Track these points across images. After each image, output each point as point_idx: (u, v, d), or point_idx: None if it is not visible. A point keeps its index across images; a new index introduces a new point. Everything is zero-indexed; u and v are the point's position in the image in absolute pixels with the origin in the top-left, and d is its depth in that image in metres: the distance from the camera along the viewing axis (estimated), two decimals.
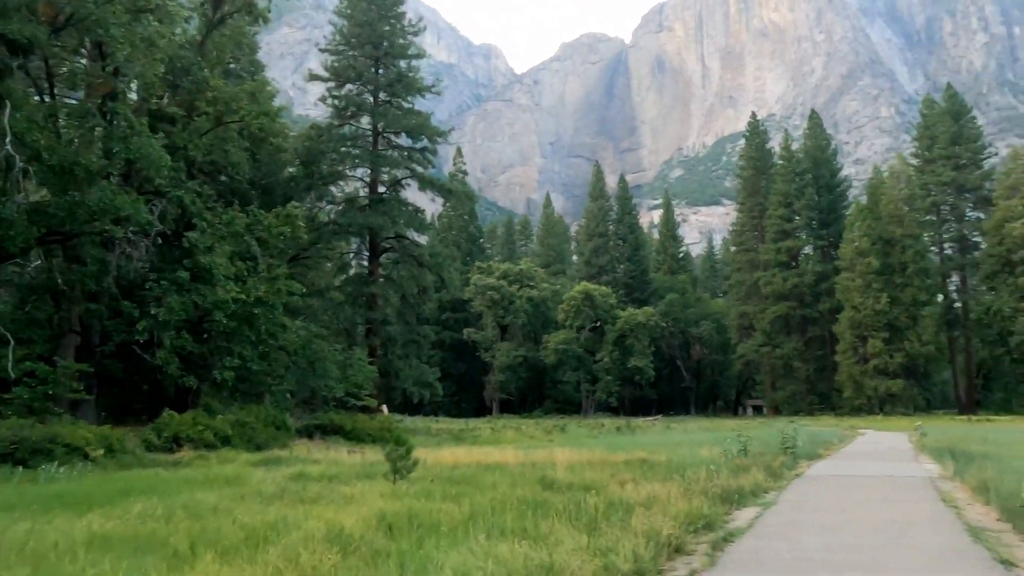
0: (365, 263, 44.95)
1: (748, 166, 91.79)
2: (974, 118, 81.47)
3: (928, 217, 77.57)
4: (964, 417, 61.10)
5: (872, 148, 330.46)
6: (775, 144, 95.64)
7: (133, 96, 26.02)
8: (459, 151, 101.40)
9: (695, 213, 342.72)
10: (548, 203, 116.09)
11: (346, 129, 43.22)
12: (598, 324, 75.92)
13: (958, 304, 77.94)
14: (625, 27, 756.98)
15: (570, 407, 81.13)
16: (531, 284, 79.59)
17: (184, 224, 25.60)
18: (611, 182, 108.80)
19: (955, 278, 78.81)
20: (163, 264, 24.97)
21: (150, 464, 17.46)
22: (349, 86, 43.25)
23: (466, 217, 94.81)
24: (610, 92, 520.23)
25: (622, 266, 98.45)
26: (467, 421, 54.37)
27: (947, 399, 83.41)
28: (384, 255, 44.05)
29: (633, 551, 6.51)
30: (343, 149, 40.90)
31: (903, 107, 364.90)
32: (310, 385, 32.46)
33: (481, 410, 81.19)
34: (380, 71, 43.12)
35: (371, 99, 43.23)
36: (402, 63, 43.17)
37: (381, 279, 43.20)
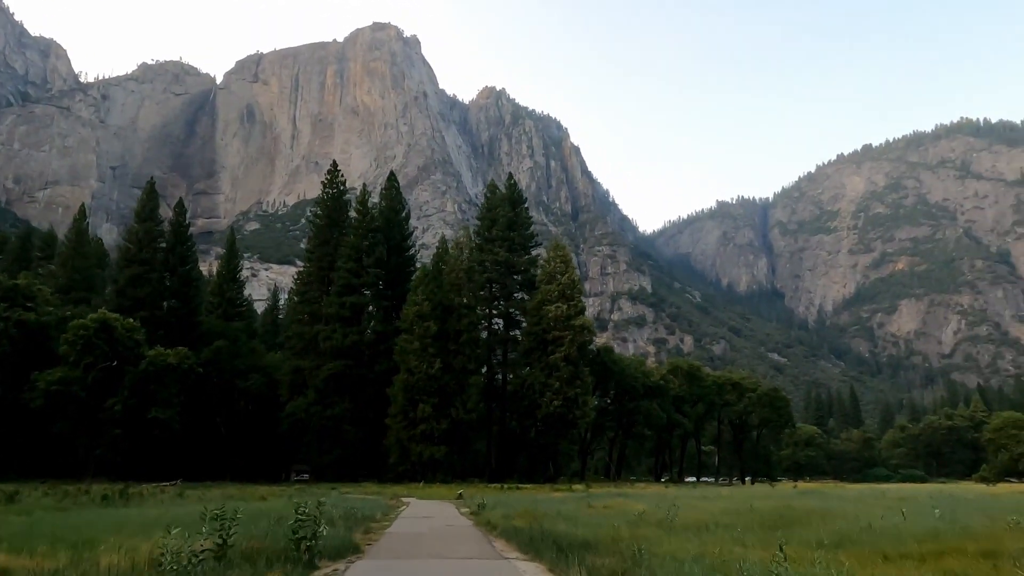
0: None
1: (323, 215, 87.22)
2: (527, 208, 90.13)
3: (483, 292, 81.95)
4: (497, 485, 62.76)
5: (436, 236, 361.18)
6: (353, 200, 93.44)
7: None
8: None
9: (267, 269, 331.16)
10: (83, 216, 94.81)
11: None
12: (115, 364, 60.79)
13: (499, 376, 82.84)
14: (217, 66, 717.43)
15: (65, 468, 63.12)
16: (29, 306, 60.89)
17: None
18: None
19: (499, 352, 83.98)
20: None
21: None
22: None
23: None
24: (192, 129, 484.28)
25: (167, 302, 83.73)
26: None
27: (478, 467, 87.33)
28: None
29: None
30: None
31: (465, 206, 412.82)
32: None
33: None
34: None
35: None
36: None
37: None
